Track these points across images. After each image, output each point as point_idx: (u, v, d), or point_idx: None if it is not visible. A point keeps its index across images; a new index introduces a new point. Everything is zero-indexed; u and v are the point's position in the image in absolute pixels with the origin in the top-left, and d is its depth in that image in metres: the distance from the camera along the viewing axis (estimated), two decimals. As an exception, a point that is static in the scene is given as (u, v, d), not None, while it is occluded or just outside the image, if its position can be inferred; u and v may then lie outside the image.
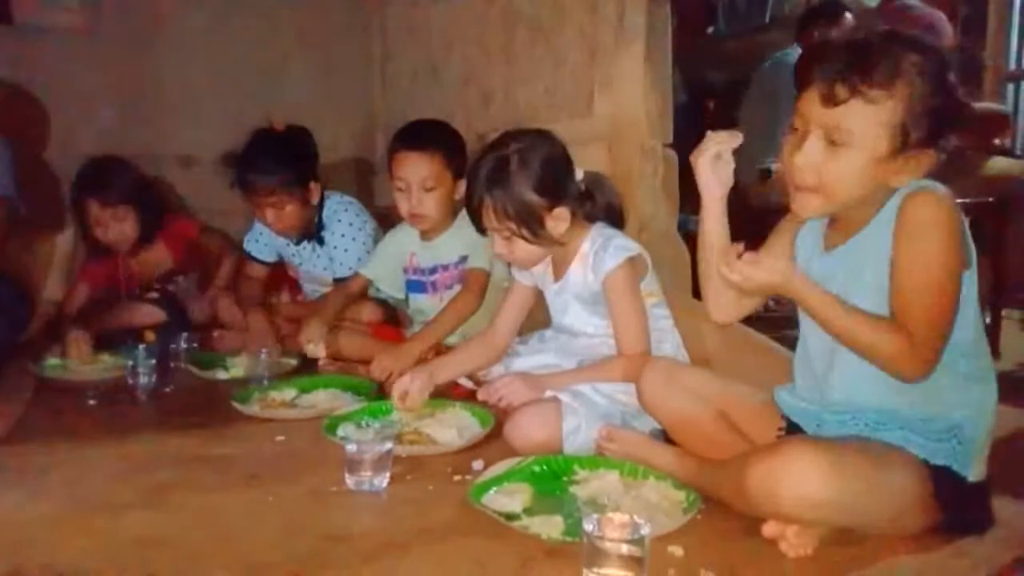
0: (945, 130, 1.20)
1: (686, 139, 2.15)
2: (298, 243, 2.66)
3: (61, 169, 2.99)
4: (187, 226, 2.91)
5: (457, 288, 2.27)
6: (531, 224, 1.69)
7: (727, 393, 1.50)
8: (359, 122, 3.59)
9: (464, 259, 2.28)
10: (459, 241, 2.28)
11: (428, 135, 2.23)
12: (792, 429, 1.40)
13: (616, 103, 2.13)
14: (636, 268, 1.76)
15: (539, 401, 1.65)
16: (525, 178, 1.67)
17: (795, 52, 3.20)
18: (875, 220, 1.25)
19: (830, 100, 1.18)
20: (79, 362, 2.41)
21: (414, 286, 2.42)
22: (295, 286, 2.82)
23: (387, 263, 2.43)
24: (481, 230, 1.78)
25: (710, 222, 1.46)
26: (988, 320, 2.50)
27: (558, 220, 1.72)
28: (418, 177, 2.17)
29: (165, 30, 3.28)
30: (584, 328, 1.86)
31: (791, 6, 4.19)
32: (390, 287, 2.47)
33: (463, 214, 2.16)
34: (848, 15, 3.06)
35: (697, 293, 2.20)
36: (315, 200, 2.56)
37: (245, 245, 2.74)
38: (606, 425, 1.58)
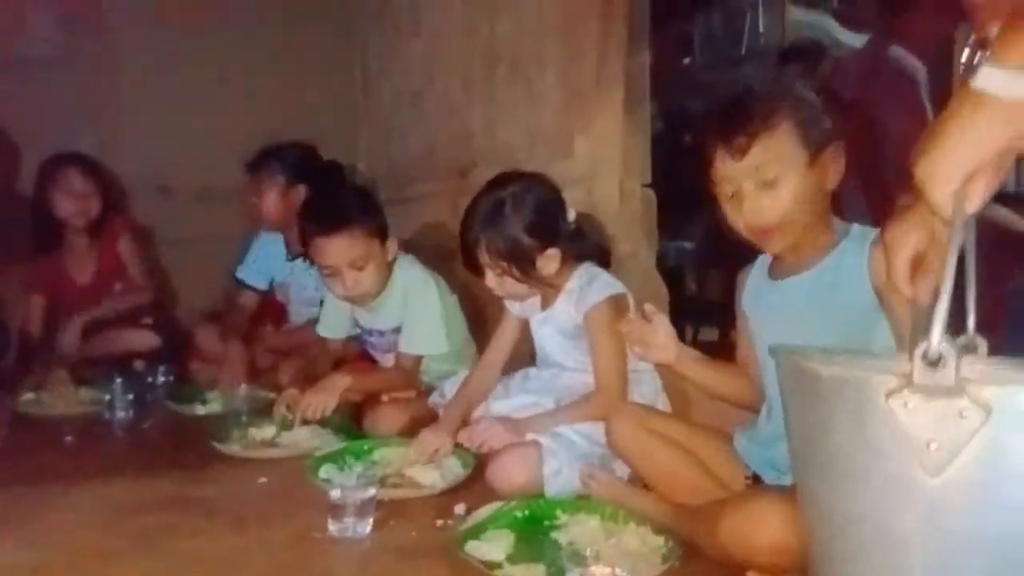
0: (831, 123, 1.35)
1: (662, 170, 2.21)
2: (292, 259, 2.68)
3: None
4: (120, 226, 2.93)
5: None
6: (522, 263, 1.77)
7: (694, 438, 1.55)
8: (340, 149, 3.59)
9: (399, 330, 2.20)
10: (395, 311, 2.20)
11: (342, 211, 2.08)
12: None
13: (596, 145, 2.17)
14: (619, 306, 1.80)
15: (519, 444, 1.67)
16: (518, 220, 1.75)
17: None
18: (835, 256, 1.34)
19: (741, 151, 1.31)
20: (55, 397, 2.40)
21: (363, 342, 2.36)
22: (281, 318, 2.83)
23: (337, 316, 2.36)
24: (472, 267, 1.82)
25: (694, 375, 1.57)
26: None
27: (549, 260, 1.79)
28: (346, 260, 2.07)
29: (142, 60, 3.27)
30: (566, 361, 1.90)
31: (767, 40, 4.29)
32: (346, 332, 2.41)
33: (401, 273, 2.18)
34: (826, 54, 3.11)
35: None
36: (295, 205, 2.48)
37: (237, 274, 2.76)
38: (586, 463, 1.62)
